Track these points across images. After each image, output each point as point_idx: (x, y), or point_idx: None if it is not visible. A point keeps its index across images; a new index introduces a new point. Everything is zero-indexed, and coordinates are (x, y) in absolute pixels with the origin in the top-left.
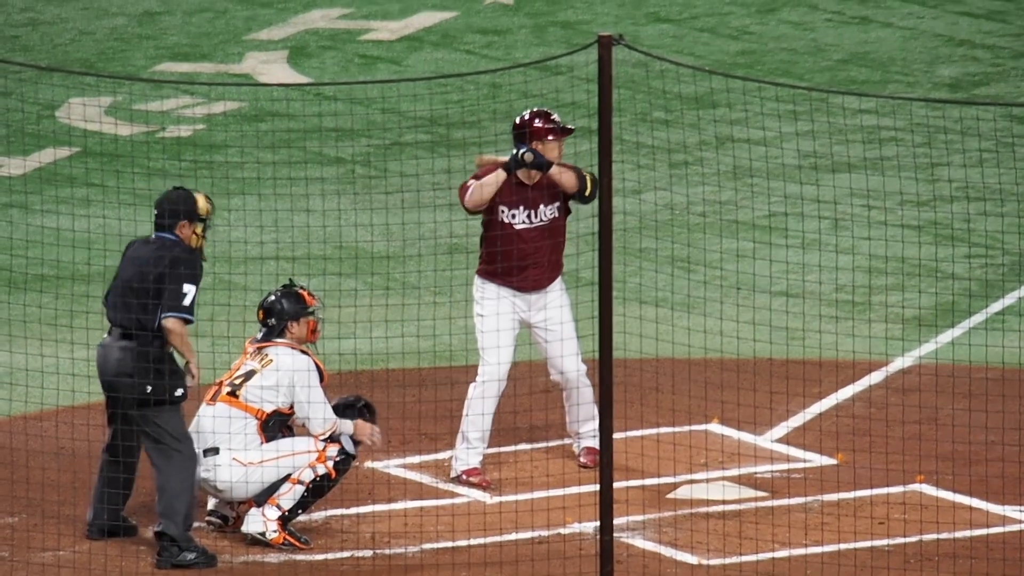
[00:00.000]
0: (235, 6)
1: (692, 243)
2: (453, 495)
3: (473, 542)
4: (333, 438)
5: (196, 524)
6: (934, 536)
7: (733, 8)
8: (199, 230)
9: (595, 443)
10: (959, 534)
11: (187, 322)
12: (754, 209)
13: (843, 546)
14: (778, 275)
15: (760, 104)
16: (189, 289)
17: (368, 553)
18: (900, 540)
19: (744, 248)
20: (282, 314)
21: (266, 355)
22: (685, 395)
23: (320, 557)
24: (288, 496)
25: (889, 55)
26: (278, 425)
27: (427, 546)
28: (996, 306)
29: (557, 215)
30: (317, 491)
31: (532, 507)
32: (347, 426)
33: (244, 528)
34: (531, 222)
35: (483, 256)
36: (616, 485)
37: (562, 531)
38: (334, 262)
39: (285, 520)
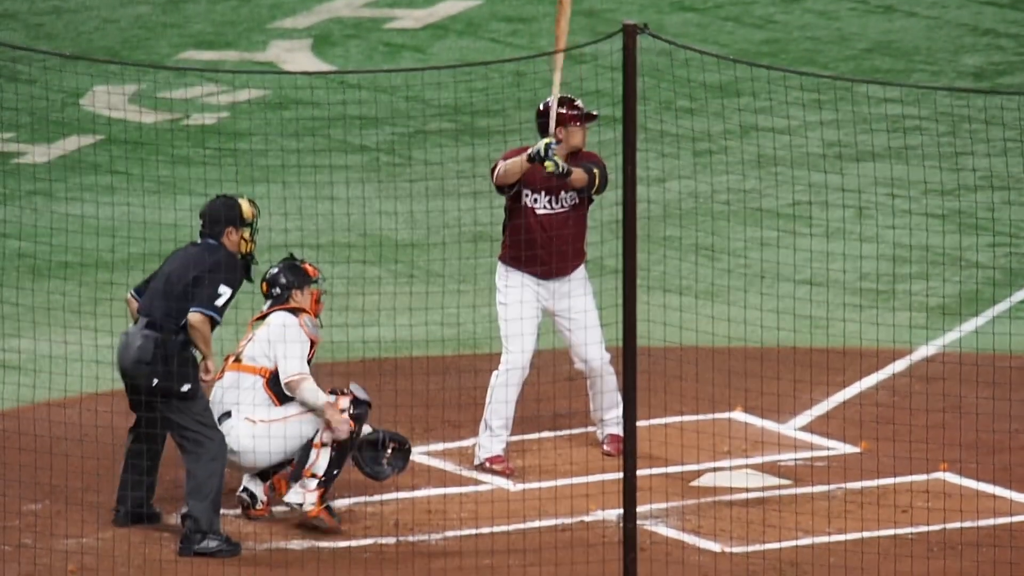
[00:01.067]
0: None
1: (716, 231)
2: (476, 482)
3: (496, 529)
4: (342, 391)
5: (223, 511)
6: (958, 524)
7: None
8: (247, 235)
9: (619, 431)
10: (983, 522)
11: (213, 322)
12: (778, 197)
13: (866, 534)
14: (802, 263)
15: (784, 93)
16: (224, 291)
17: (391, 540)
18: (924, 528)
19: (768, 236)
20: (285, 285)
21: (266, 320)
22: (709, 383)
23: (343, 544)
24: (319, 462)
25: (913, 44)
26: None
27: (450, 533)
28: (1020, 295)
29: (578, 202)
30: (344, 446)
31: (555, 495)
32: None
33: (285, 498)
34: (552, 208)
35: (505, 242)
36: (639, 473)
37: (585, 519)
38: (358, 250)
39: (324, 486)
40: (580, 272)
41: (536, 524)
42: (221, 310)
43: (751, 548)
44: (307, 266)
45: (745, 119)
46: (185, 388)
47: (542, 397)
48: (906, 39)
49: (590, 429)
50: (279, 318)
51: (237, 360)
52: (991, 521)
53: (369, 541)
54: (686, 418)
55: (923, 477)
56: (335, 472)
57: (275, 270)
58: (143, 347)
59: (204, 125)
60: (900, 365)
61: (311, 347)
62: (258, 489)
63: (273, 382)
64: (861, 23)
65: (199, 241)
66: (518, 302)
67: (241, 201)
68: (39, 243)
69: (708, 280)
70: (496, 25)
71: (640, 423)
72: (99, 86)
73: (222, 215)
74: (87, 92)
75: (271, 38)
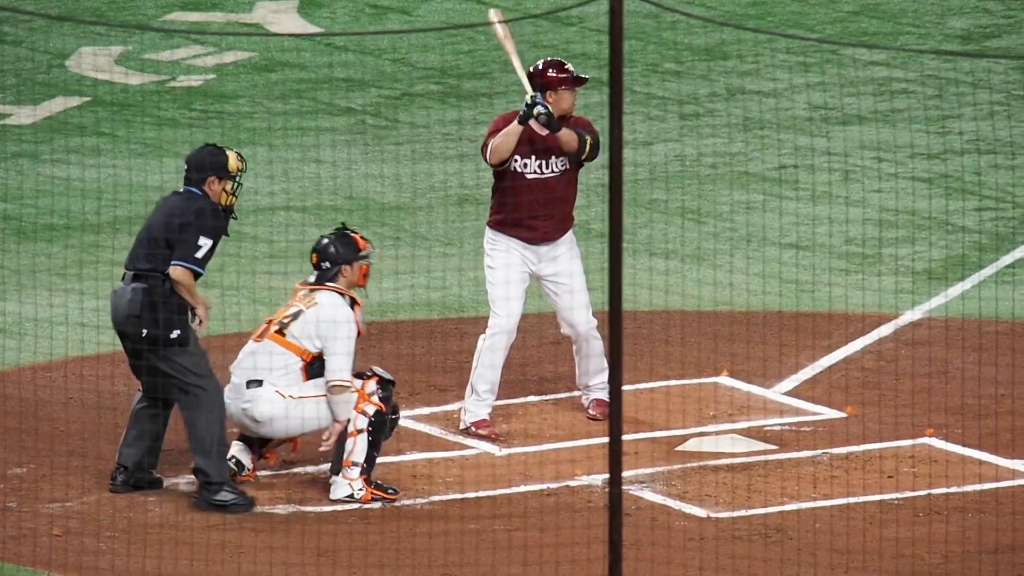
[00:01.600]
0: None
1: (702, 195)
2: (462, 447)
3: (482, 494)
4: (365, 374)
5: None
6: (943, 490)
7: None
8: (229, 187)
9: (604, 395)
10: (968, 488)
11: (196, 275)
12: (764, 161)
13: (852, 499)
14: (788, 227)
15: (771, 56)
16: (205, 242)
17: (376, 505)
18: (909, 494)
19: (754, 200)
20: (336, 258)
21: (314, 298)
22: (694, 347)
23: (328, 508)
24: (357, 450)
25: (900, 7)
26: (322, 370)
27: (435, 498)
28: (1006, 259)
29: (568, 167)
30: (378, 429)
31: (541, 459)
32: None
33: (332, 495)
34: (542, 172)
35: (493, 206)
36: (625, 438)
37: (571, 483)
38: (344, 213)
39: (367, 472)
40: (567, 237)
41: (521, 488)
42: (202, 262)
43: (736, 513)
44: (357, 238)
45: (731, 82)
46: (174, 334)
47: (528, 361)
48: (893, 1)
49: (575, 394)
50: (333, 306)
51: (280, 332)
52: (977, 486)
53: (354, 505)
54: (672, 383)
55: (909, 442)
56: (374, 455)
57: (326, 241)
58: (132, 301)
59: (190, 87)
60: (886, 330)
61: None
62: (245, 457)
63: (311, 367)
64: None
65: (181, 190)
66: (505, 266)
67: (229, 152)
68: (24, 205)
69: (694, 244)
70: None
71: (626, 387)
72: (85, 47)
73: (207, 163)
74: (73, 53)
75: (257, 0)
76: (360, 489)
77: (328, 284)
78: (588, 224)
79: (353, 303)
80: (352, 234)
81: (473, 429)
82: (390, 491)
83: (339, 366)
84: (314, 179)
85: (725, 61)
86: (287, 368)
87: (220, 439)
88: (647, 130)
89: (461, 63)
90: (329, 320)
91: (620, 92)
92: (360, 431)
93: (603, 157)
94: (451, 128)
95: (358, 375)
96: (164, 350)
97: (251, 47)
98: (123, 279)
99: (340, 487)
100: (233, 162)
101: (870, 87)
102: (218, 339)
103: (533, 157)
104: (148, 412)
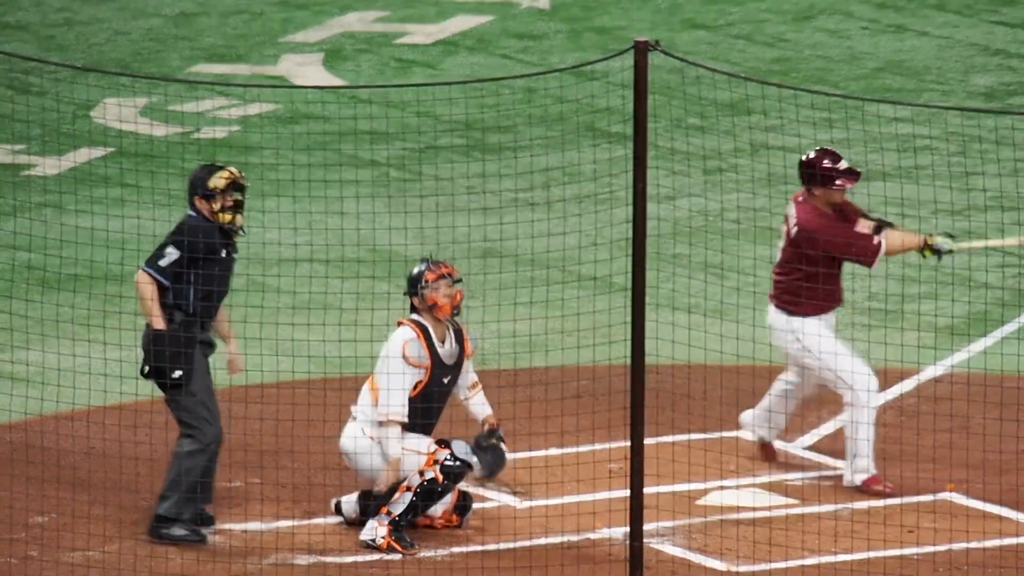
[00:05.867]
0: (271, 8)
1: (725, 249)
2: (483, 499)
3: (503, 546)
4: (446, 442)
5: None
6: (964, 545)
7: (769, 15)
8: (216, 205)
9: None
10: (989, 543)
11: (159, 284)
12: None
13: (872, 554)
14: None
15: (795, 111)
16: (171, 252)
17: (397, 556)
18: (930, 549)
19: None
20: (405, 292)
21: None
22: (716, 401)
23: (350, 560)
24: (399, 503)
25: (924, 64)
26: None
27: (456, 549)
28: None
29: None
30: (427, 495)
31: (562, 512)
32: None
33: (361, 536)
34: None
35: (805, 295)
36: (646, 491)
37: (592, 536)
38: (367, 265)
39: (396, 526)
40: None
41: (542, 541)
42: (164, 270)
43: (757, 567)
44: (425, 270)
45: (755, 137)
46: (176, 375)
47: (549, 414)
48: (917, 58)
49: (596, 447)
50: (389, 340)
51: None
52: (997, 542)
53: (375, 557)
54: (693, 436)
55: (930, 498)
56: (411, 516)
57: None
58: (144, 334)
59: (215, 139)
60: (908, 385)
61: (426, 371)
62: (350, 508)
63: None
64: (872, 42)
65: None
66: (831, 338)
67: (218, 170)
68: (48, 255)
69: (717, 298)
70: (507, 41)
71: (647, 441)
72: (110, 99)
73: (192, 181)
74: (98, 104)
75: (282, 52)
76: (382, 537)
77: (407, 318)
78: (611, 277)
79: (421, 330)
80: (424, 264)
81: (866, 487)
82: (409, 546)
83: (383, 400)
84: (337, 232)
85: (749, 116)
86: (367, 405)
87: (194, 483)
88: (671, 184)
89: (485, 116)
90: (382, 356)
91: (644, 146)
92: (409, 488)
93: (626, 211)
94: (475, 181)
95: (441, 442)
96: (170, 390)
97: (276, 99)
98: None
99: (368, 530)
100: (213, 180)
101: (893, 143)
102: (240, 390)
103: None
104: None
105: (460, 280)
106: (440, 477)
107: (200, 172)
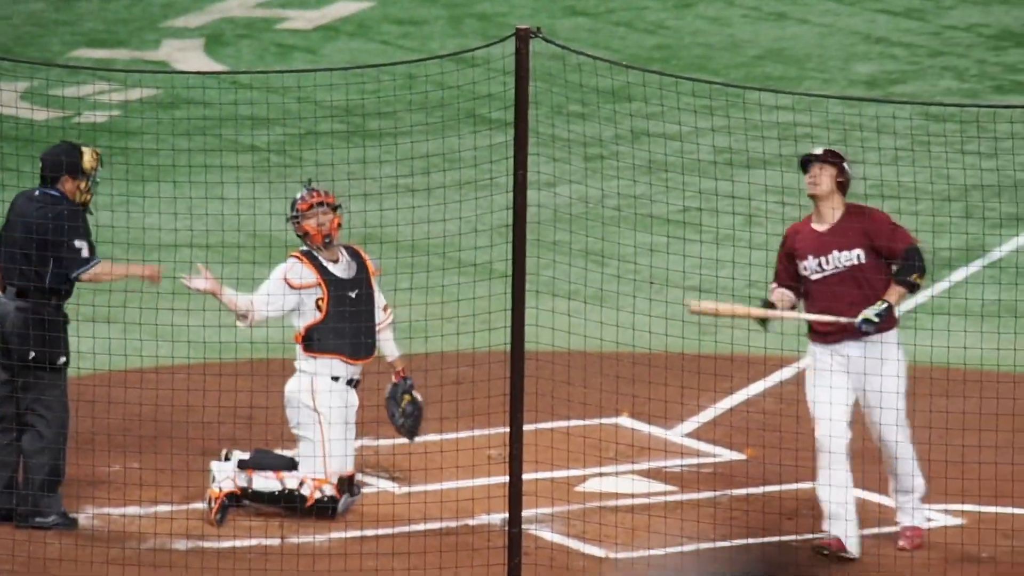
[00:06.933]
0: None
1: (605, 236)
2: (362, 484)
3: (381, 532)
4: (342, 486)
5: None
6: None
7: (650, 3)
8: (83, 186)
9: (912, 520)
10: (866, 531)
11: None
12: (668, 204)
13: (751, 541)
14: (691, 270)
15: (676, 99)
16: (81, 244)
17: (276, 541)
18: (808, 536)
19: (657, 243)
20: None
21: None
22: (596, 388)
23: (227, 544)
24: (262, 482)
25: (805, 51)
26: (319, 335)
27: (335, 535)
28: (908, 304)
29: (856, 261)
30: (282, 500)
31: (441, 498)
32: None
33: (212, 464)
34: (823, 270)
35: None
36: (525, 477)
37: (470, 522)
38: (247, 250)
39: (236, 499)
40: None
41: (421, 527)
42: (91, 259)
43: (635, 554)
44: (304, 195)
45: (636, 124)
46: (61, 360)
47: (429, 400)
48: (798, 46)
49: (476, 433)
50: (276, 269)
51: None
52: (875, 530)
53: (254, 542)
54: (573, 423)
55: (808, 484)
56: (248, 499)
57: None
58: (15, 320)
59: (95, 123)
60: (787, 372)
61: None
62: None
63: (308, 343)
64: (753, 30)
65: (38, 191)
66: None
67: (84, 150)
68: None
69: (597, 285)
70: (388, 27)
71: (527, 427)
72: None
73: (62, 162)
74: None
75: (163, 37)
76: (218, 489)
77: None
78: (491, 264)
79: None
80: (306, 191)
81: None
82: (219, 521)
83: (256, 295)
84: (218, 217)
85: (630, 103)
86: (299, 347)
87: (52, 470)
88: (551, 171)
89: (366, 102)
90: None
91: (525, 133)
92: (281, 482)
93: (507, 198)
94: (355, 167)
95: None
96: (49, 375)
97: (156, 84)
98: (3, 291)
99: (222, 470)
100: (88, 160)
101: (774, 131)
102: (119, 375)
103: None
104: (9, 442)
105: (339, 207)
106: (311, 499)
107: (69, 152)
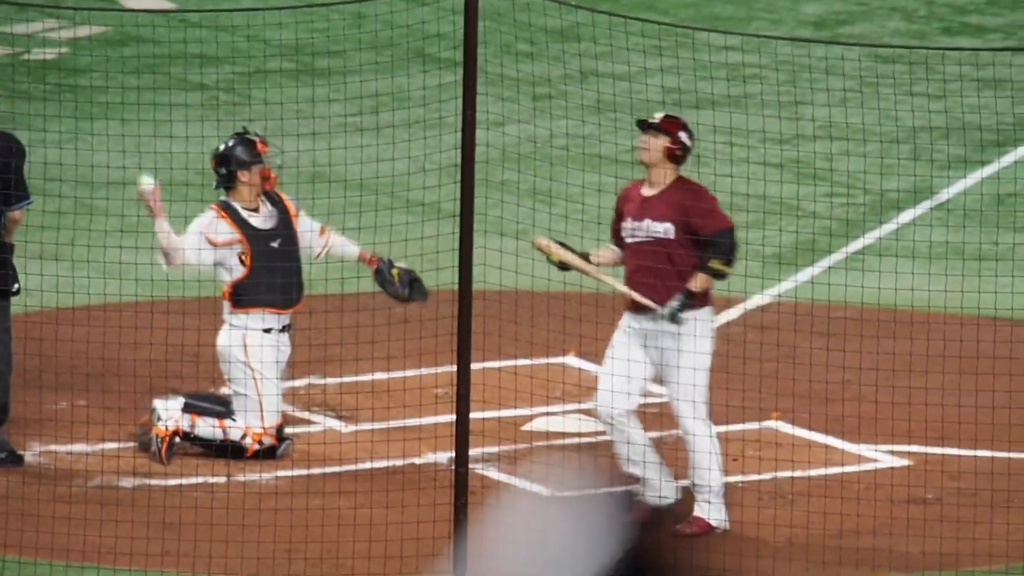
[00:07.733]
0: None
1: (553, 176)
2: (308, 423)
3: (327, 470)
4: (281, 436)
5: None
6: (789, 474)
7: None
8: None
9: (696, 510)
10: (814, 472)
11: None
12: (617, 144)
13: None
14: None
15: (624, 39)
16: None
17: (222, 479)
18: (755, 477)
19: (605, 182)
20: (232, 163)
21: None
22: (543, 328)
23: (174, 482)
24: (205, 429)
25: None
26: (246, 290)
27: (282, 473)
28: (855, 245)
29: (664, 235)
30: (221, 450)
31: (388, 436)
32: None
33: (155, 402)
34: (635, 236)
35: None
36: (472, 416)
37: (417, 461)
38: (196, 188)
39: (178, 437)
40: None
41: (367, 466)
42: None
43: (580, 493)
44: (259, 142)
45: (584, 64)
46: (16, 287)
47: (376, 338)
48: None
49: (423, 371)
50: (194, 222)
51: None
52: (822, 471)
53: (199, 480)
54: (519, 362)
55: (755, 426)
56: (189, 442)
57: (223, 147)
58: None
59: (44, 60)
60: (734, 313)
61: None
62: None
63: (236, 298)
64: None
65: None
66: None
67: None
68: None
69: (545, 225)
70: None
71: (474, 366)
72: None
73: None
74: None
75: None
76: (164, 428)
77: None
78: (440, 203)
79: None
80: (253, 138)
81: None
82: (166, 458)
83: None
84: (166, 155)
85: (579, 43)
86: (226, 303)
87: (1, 408)
88: (500, 111)
89: (315, 41)
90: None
91: (474, 72)
92: (224, 431)
93: (455, 137)
94: (304, 105)
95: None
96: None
97: (105, 22)
98: None
99: (166, 408)
100: None
101: (723, 72)
102: (66, 312)
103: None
104: None
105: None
106: (251, 451)
107: None
